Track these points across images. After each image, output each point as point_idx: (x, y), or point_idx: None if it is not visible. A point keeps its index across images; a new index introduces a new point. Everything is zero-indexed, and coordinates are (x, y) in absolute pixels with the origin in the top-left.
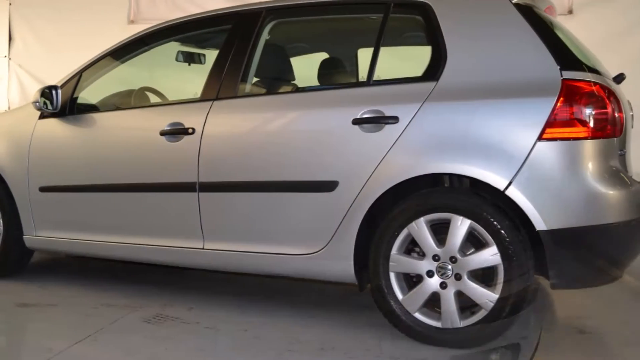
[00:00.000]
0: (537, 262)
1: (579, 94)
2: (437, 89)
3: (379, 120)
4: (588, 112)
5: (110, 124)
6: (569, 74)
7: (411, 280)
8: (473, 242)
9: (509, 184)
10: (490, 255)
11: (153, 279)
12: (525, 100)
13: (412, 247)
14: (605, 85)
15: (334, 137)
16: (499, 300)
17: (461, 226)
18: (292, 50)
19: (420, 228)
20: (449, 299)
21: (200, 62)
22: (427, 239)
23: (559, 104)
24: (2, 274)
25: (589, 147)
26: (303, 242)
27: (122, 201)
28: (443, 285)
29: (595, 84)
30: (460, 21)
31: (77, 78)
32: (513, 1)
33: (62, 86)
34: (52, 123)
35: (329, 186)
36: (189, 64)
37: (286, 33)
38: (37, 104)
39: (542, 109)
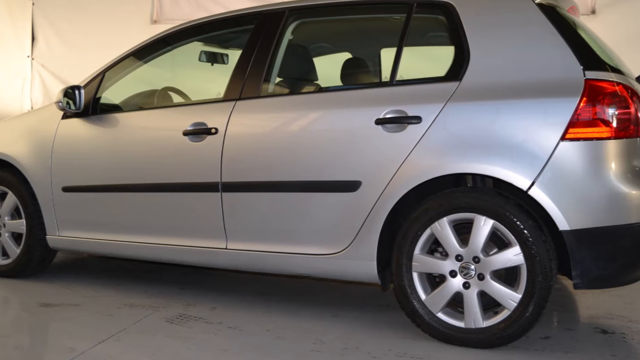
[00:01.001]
0: (560, 262)
1: (602, 94)
2: (460, 89)
3: (402, 120)
4: (611, 112)
5: (133, 124)
6: (592, 74)
7: (434, 280)
8: (496, 242)
9: (532, 184)
10: (513, 255)
11: (175, 278)
12: (548, 100)
13: (435, 247)
14: (628, 85)
15: (357, 137)
16: (522, 300)
17: (484, 226)
18: (315, 50)
19: (443, 228)
20: (472, 299)
21: (223, 62)
22: (450, 239)
23: (582, 104)
24: (25, 273)
25: (612, 147)
26: (326, 242)
27: (145, 201)
28: (466, 285)
29: (618, 84)
30: (483, 21)
31: (100, 78)
32: (536, 1)
33: (85, 86)
34: (75, 123)
35: (352, 186)
36: (212, 64)
37: (309, 33)
38: (60, 104)
39: (565, 109)
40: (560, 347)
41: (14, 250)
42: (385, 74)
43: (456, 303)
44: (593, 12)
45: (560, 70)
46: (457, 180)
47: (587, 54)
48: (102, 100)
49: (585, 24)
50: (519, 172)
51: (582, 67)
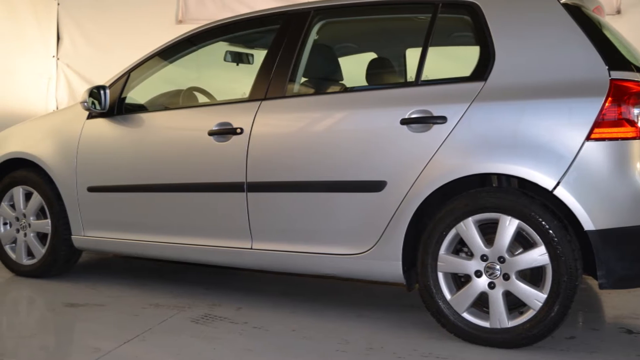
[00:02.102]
0: (585, 262)
1: (628, 94)
2: (485, 88)
3: (427, 120)
4: (636, 112)
5: (158, 124)
6: (617, 74)
7: (459, 280)
8: (521, 242)
9: (557, 184)
10: (538, 255)
11: (201, 278)
12: (574, 100)
13: (460, 247)
14: None
15: (382, 137)
16: (547, 300)
17: (509, 226)
18: (341, 50)
19: (469, 228)
20: (497, 299)
21: (249, 62)
22: (475, 239)
23: (607, 104)
24: (50, 273)
25: (637, 147)
26: (351, 242)
27: (170, 201)
28: (491, 285)
29: None
30: (508, 21)
31: (125, 78)
32: (561, 1)
33: (110, 86)
34: (100, 123)
35: (377, 186)
36: (237, 64)
37: (334, 33)
38: (86, 104)
39: (590, 109)
40: (585, 347)
41: (39, 250)
42: (411, 74)
43: (481, 303)
44: (618, 12)
45: (586, 70)
46: (482, 180)
47: (612, 54)
48: (128, 100)
49: (610, 24)
50: (544, 172)
51: (607, 67)
